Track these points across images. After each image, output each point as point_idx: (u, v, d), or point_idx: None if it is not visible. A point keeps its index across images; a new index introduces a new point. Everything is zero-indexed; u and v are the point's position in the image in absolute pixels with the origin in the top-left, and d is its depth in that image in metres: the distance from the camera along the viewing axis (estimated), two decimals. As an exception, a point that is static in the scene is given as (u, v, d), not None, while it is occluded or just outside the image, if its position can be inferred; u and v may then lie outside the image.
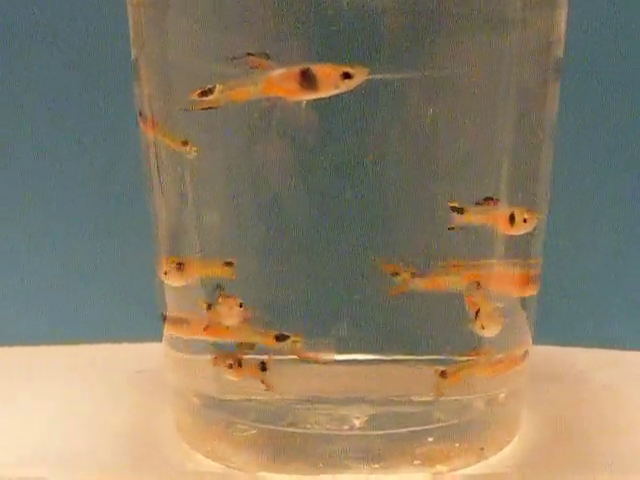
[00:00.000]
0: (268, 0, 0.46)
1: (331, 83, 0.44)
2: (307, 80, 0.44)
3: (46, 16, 0.69)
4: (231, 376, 0.49)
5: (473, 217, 0.48)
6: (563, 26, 0.51)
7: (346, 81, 0.44)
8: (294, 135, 0.47)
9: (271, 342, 0.48)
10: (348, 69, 0.44)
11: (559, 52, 0.52)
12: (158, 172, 0.52)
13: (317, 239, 0.48)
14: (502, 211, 0.49)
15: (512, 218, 0.49)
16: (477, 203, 0.48)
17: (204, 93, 0.46)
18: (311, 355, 0.48)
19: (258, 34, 0.46)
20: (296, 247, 0.48)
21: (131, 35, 0.52)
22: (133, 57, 0.52)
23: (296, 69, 0.45)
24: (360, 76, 0.45)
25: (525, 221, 0.49)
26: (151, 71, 0.51)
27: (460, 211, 0.47)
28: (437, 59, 0.46)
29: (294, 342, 0.48)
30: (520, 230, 0.49)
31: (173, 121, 0.50)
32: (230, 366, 0.49)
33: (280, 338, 0.48)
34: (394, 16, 0.45)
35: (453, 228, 0.47)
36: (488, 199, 0.48)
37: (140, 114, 0.52)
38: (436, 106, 0.47)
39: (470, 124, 0.48)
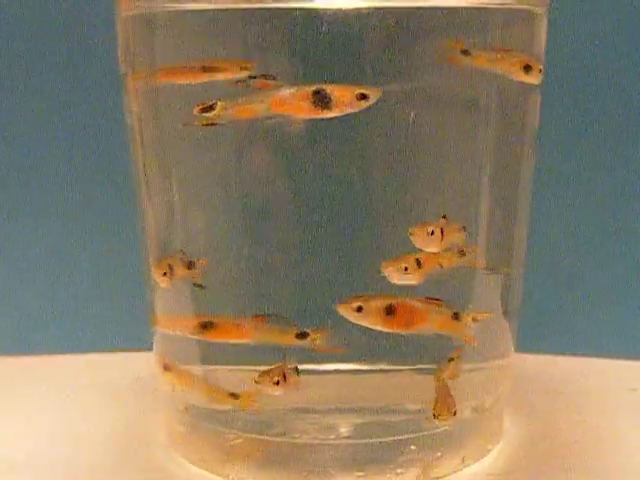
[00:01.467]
0: (255, 15, 0.46)
1: (346, 103, 0.44)
2: (320, 100, 0.44)
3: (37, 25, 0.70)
4: (277, 392, 0.48)
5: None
6: (543, 40, 0.52)
7: (362, 102, 0.44)
8: (281, 143, 0.47)
9: (292, 340, 0.48)
10: (364, 90, 0.44)
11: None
12: (146, 183, 0.52)
13: (302, 247, 0.49)
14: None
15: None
16: None
17: (205, 109, 0.46)
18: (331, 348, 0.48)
19: (245, 48, 0.47)
20: (280, 253, 0.49)
21: (120, 50, 0.53)
22: (122, 72, 0.53)
23: (308, 88, 0.44)
24: (374, 96, 0.45)
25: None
26: (140, 85, 0.51)
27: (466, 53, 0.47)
28: (418, 73, 0.47)
29: (313, 339, 0.48)
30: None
31: (161, 134, 0.51)
32: (277, 383, 0.48)
33: (301, 336, 0.48)
34: (376, 32, 0.46)
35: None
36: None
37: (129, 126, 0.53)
38: (418, 117, 0.47)
39: (451, 136, 0.49)
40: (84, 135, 0.71)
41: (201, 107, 0.46)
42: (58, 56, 0.70)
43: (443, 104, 0.48)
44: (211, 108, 0.46)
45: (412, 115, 0.47)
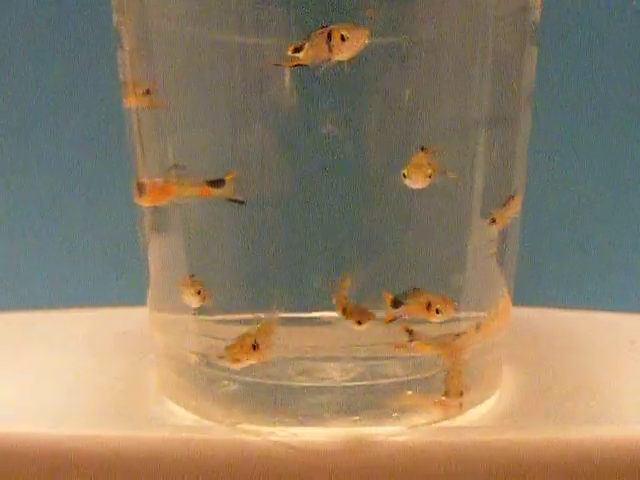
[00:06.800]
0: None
1: None
2: None
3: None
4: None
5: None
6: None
7: None
8: (277, 112, 0.47)
9: (206, 191, 0.48)
10: None
11: (536, 17, 0.52)
12: (141, 145, 0.52)
13: (298, 214, 0.49)
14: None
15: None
16: None
17: (296, 50, 0.45)
18: None
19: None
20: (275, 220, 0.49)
21: (113, 1, 0.53)
22: (115, 23, 0.53)
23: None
24: None
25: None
26: (133, 37, 0.51)
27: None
28: (412, 24, 0.47)
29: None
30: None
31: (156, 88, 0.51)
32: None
33: (214, 184, 0.48)
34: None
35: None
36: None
37: (123, 83, 0.53)
38: (411, 71, 0.47)
39: (446, 89, 0.49)
40: (79, 94, 0.71)
41: (293, 47, 0.45)
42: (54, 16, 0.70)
43: (436, 57, 0.48)
44: (300, 49, 0.45)
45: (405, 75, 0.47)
